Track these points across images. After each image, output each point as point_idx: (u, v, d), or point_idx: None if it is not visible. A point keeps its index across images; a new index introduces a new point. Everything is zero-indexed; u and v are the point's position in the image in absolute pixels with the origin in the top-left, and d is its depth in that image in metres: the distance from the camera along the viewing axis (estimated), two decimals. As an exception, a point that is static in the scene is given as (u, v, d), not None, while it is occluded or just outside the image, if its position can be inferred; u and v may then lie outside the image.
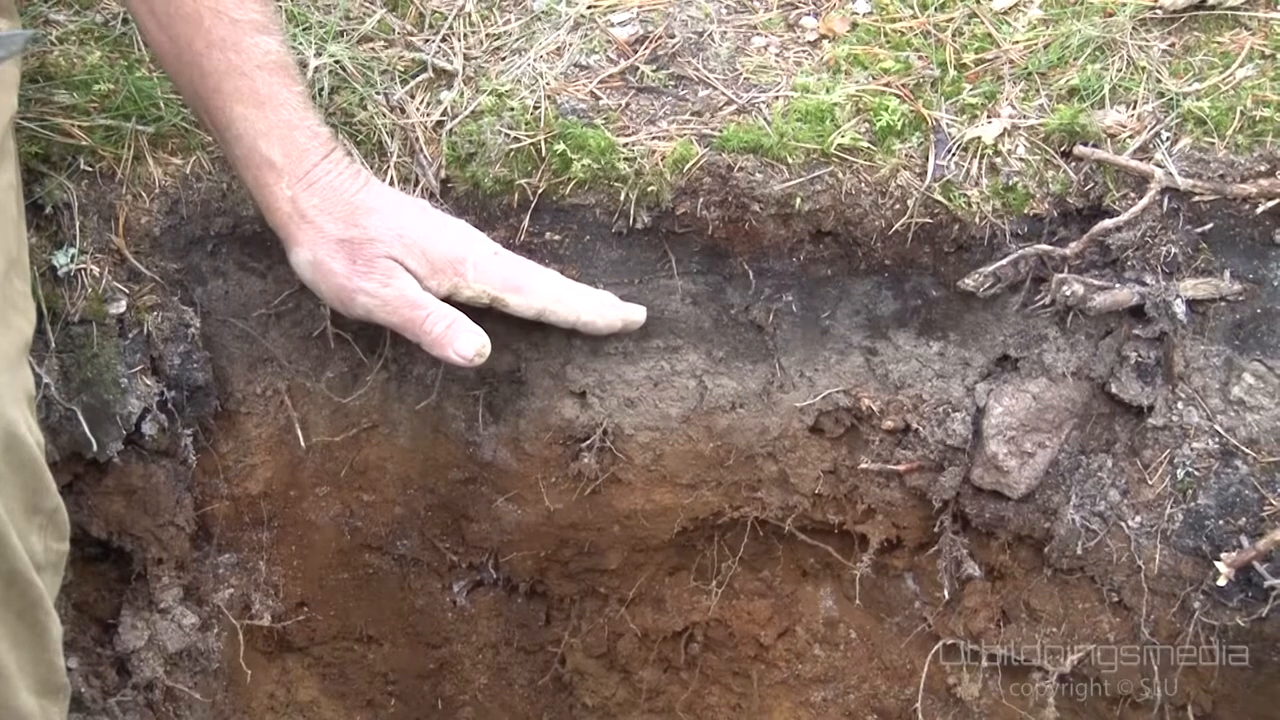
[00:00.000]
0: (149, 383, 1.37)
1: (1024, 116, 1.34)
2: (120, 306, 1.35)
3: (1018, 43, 1.39)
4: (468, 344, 1.27)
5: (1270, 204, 1.28)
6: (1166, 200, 1.29)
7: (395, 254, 1.26)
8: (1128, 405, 1.38)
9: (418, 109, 1.40)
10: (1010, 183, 1.32)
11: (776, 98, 1.37)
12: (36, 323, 1.20)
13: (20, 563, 1.06)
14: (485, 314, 1.31)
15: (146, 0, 1.22)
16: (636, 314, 1.38)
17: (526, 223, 1.37)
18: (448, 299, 1.29)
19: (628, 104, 1.38)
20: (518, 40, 1.45)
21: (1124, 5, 1.38)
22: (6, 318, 1.11)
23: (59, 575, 1.17)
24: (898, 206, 1.33)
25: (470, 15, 1.47)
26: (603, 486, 1.51)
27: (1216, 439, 1.34)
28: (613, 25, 1.45)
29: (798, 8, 1.47)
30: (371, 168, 1.37)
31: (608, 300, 1.37)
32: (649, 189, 1.34)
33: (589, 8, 1.46)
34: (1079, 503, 1.41)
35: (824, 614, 1.67)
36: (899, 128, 1.34)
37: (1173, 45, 1.37)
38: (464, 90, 1.40)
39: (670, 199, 1.35)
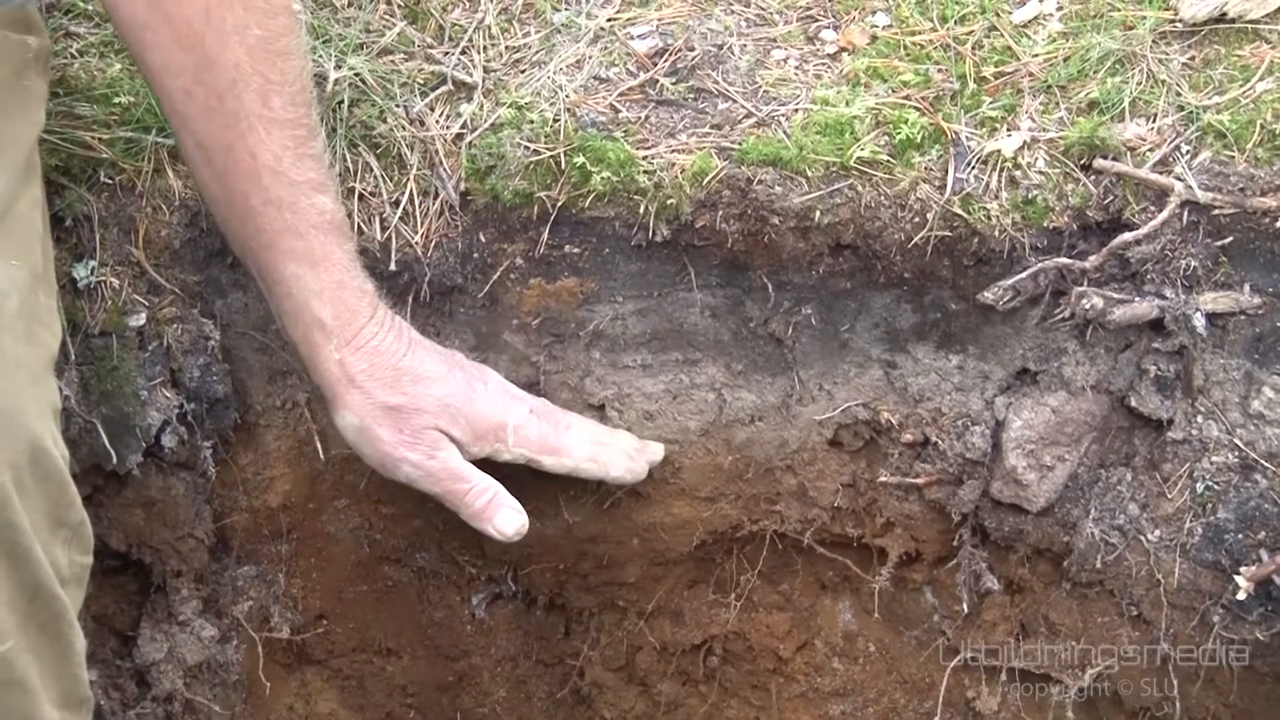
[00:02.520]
0: (168, 395, 1.37)
1: (1044, 129, 1.34)
2: (140, 319, 1.35)
3: (1037, 56, 1.39)
4: (507, 522, 1.32)
5: (1291, 218, 1.28)
6: (1186, 213, 1.29)
7: (441, 425, 1.29)
8: (1147, 419, 1.38)
9: (437, 122, 1.40)
10: (1030, 196, 1.32)
11: (796, 110, 1.37)
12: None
13: (45, 576, 1.06)
14: None
15: (204, 149, 1.20)
16: (657, 454, 1.45)
17: (546, 235, 1.37)
18: (487, 460, 1.33)
19: (647, 117, 1.38)
20: (537, 53, 1.45)
21: (1144, 18, 1.38)
22: (33, 332, 1.11)
23: (82, 588, 1.17)
24: (917, 219, 1.33)
25: (490, 28, 1.47)
26: (622, 500, 1.51)
27: (1236, 453, 1.34)
28: (632, 38, 1.45)
29: (817, 20, 1.47)
30: (391, 180, 1.38)
31: (630, 447, 1.43)
32: (668, 202, 1.34)
33: (609, 20, 1.46)
34: (1098, 516, 1.40)
35: (843, 627, 1.66)
36: (918, 141, 1.33)
37: (1193, 58, 1.36)
38: (483, 103, 1.40)
39: (689, 212, 1.35)
